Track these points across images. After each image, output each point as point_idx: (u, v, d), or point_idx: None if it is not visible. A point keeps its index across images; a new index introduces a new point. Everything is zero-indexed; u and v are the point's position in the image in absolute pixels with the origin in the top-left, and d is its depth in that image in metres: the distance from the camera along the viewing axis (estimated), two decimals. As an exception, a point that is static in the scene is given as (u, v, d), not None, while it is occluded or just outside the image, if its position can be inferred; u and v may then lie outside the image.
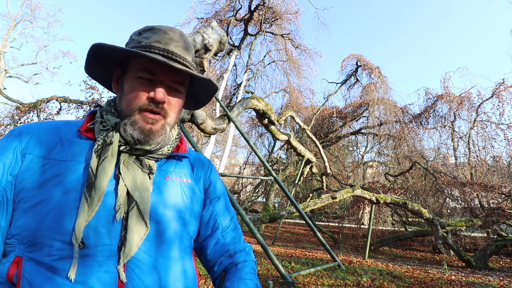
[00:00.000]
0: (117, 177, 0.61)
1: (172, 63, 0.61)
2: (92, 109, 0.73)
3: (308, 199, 11.91)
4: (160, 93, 0.63)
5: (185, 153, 0.76)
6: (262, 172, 16.40)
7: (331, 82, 13.89)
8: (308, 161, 9.65)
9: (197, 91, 0.78)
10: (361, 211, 10.66)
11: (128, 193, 0.60)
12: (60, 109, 8.87)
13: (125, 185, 0.60)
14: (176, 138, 0.74)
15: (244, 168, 17.32)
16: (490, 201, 9.31)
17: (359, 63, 12.78)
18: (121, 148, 0.64)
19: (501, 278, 5.77)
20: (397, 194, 9.96)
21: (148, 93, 0.63)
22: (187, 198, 0.70)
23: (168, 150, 0.70)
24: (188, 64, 0.66)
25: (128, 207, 0.59)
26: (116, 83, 0.71)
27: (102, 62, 0.69)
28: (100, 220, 0.56)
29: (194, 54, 0.74)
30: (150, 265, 0.59)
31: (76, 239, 0.52)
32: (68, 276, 0.52)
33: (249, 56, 11.62)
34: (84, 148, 0.63)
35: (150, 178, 0.65)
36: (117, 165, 0.63)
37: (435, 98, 12.33)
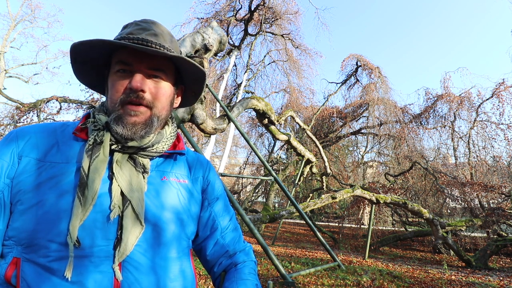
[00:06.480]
0: (110, 177, 0.61)
1: (140, 47, 0.60)
2: (88, 110, 0.73)
3: (308, 199, 11.91)
4: (135, 81, 0.61)
5: (182, 151, 0.74)
6: (262, 172, 16.40)
7: (331, 82, 13.90)
8: (308, 161, 9.65)
9: (188, 81, 0.76)
10: (361, 211, 10.66)
11: (122, 193, 0.60)
12: (60, 109, 8.88)
13: (118, 185, 0.60)
14: (171, 135, 0.72)
15: (244, 168, 17.32)
16: (490, 201, 9.30)
17: (359, 63, 12.77)
18: (113, 147, 0.63)
19: (501, 278, 5.77)
20: (397, 194, 9.95)
21: (127, 84, 0.63)
22: (184, 199, 0.69)
23: (163, 147, 0.69)
24: (161, 48, 0.64)
25: (123, 207, 0.59)
26: (106, 85, 0.70)
27: (91, 66, 0.69)
28: (96, 222, 0.56)
29: (176, 44, 0.72)
30: (147, 266, 0.59)
31: (71, 239, 0.52)
32: (65, 276, 0.52)
33: (249, 56, 11.63)
34: (79, 149, 0.63)
35: (144, 177, 0.64)
36: (110, 165, 0.62)
37: (435, 98, 12.33)
